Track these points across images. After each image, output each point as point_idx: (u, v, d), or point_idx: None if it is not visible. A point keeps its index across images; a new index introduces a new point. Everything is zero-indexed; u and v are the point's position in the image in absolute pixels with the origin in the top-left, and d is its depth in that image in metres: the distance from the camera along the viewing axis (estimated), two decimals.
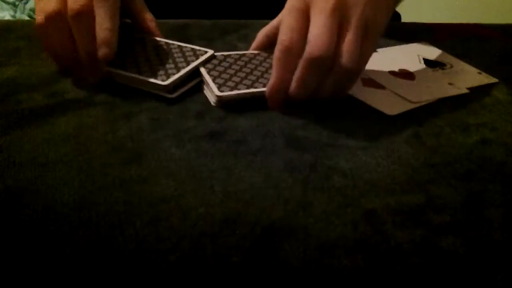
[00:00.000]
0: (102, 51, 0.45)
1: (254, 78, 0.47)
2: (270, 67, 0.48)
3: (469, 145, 0.43)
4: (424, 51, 0.59)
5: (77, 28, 0.45)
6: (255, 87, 0.46)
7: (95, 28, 0.44)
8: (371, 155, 0.41)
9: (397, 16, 0.82)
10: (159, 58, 0.49)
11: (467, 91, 0.51)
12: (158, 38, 0.52)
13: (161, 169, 0.38)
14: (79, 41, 0.45)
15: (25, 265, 0.30)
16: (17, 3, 1.53)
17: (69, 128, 0.42)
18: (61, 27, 0.45)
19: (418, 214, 0.35)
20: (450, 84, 0.52)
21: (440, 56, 0.58)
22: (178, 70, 0.47)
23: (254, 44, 0.52)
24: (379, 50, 0.57)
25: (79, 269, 0.30)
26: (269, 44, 0.50)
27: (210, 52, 0.51)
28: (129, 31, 0.53)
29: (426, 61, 0.56)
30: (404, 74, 0.53)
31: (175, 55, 0.50)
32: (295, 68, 0.43)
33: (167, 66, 0.48)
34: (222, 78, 0.47)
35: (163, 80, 0.45)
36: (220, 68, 0.49)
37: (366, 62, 0.44)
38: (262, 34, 0.52)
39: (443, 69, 0.55)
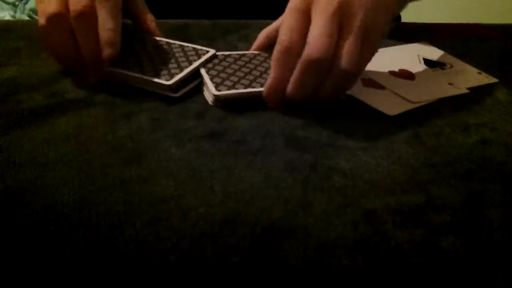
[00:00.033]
0: (106, 52, 0.45)
1: (252, 78, 0.47)
2: (269, 67, 0.48)
3: (469, 145, 0.43)
4: (424, 51, 0.59)
5: (79, 29, 0.45)
6: (253, 87, 0.46)
7: (98, 28, 0.44)
8: (371, 155, 0.41)
9: (397, 16, 0.81)
10: (162, 58, 0.49)
11: (467, 91, 0.51)
12: (159, 38, 0.52)
13: (161, 169, 0.38)
14: (81, 42, 0.45)
15: (25, 265, 0.30)
16: (17, 3, 1.53)
17: (69, 128, 0.42)
18: (63, 28, 0.45)
19: (418, 214, 0.35)
20: (450, 84, 0.52)
21: (440, 56, 0.58)
22: (181, 70, 0.47)
23: (255, 44, 0.52)
24: (379, 50, 0.57)
25: (79, 269, 0.30)
26: (270, 45, 0.50)
27: (212, 51, 0.51)
28: (130, 31, 0.53)
29: (426, 61, 0.56)
30: (404, 74, 0.53)
31: (177, 54, 0.50)
32: (293, 69, 0.43)
33: (170, 65, 0.48)
34: (220, 78, 0.47)
35: (167, 80, 0.46)
36: (219, 68, 0.49)
37: (365, 64, 0.44)
38: (263, 35, 0.52)
39: (443, 69, 0.55)
